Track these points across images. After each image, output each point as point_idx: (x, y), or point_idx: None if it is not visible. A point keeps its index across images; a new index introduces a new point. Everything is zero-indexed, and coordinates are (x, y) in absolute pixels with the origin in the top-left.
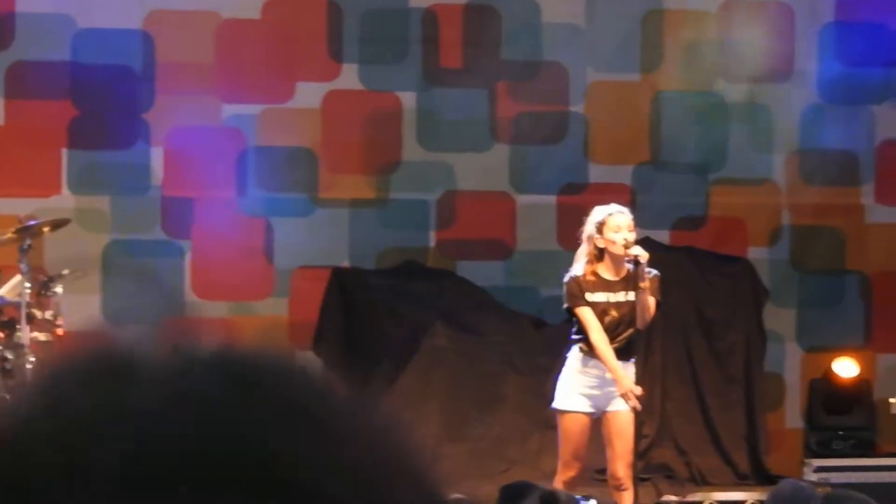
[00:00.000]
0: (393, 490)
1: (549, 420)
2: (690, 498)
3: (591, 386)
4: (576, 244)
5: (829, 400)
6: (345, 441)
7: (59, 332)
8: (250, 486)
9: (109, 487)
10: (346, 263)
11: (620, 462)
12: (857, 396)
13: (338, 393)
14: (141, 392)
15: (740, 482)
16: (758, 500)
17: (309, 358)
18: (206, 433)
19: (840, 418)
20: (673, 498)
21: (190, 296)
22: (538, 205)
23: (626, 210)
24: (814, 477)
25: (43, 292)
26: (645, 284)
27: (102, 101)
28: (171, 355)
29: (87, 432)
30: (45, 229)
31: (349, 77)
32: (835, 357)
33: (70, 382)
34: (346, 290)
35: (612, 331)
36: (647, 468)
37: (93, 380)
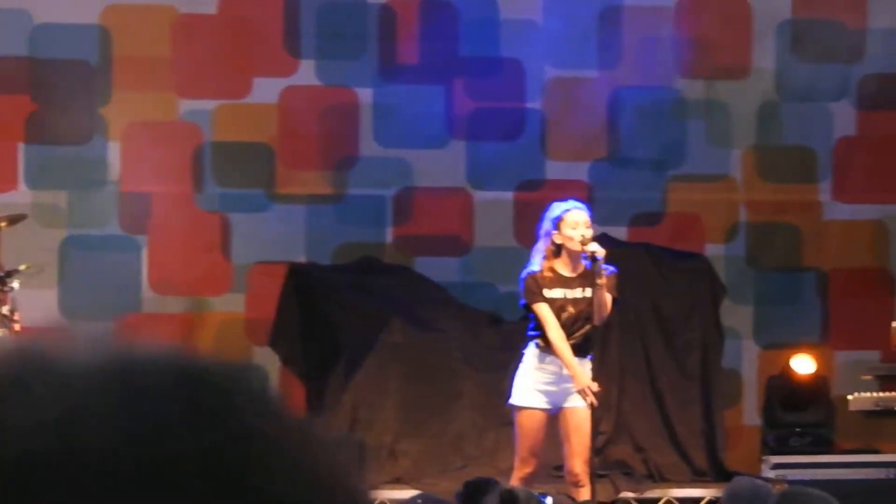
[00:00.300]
0: (332, 494)
1: (506, 416)
2: (648, 494)
3: (548, 382)
4: (533, 240)
5: (786, 397)
6: (288, 444)
7: (17, 327)
8: (197, 489)
9: (58, 489)
10: (302, 259)
11: (577, 458)
12: (814, 393)
13: (280, 398)
14: (82, 393)
15: (697, 479)
16: (715, 497)
17: (254, 363)
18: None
19: (797, 415)
20: (630, 494)
21: (147, 291)
22: (495, 201)
23: (583, 206)
24: (771, 474)
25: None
26: (602, 281)
27: (59, 95)
28: (119, 357)
29: (23, 436)
30: (2, 224)
31: (306, 72)
32: (792, 354)
33: (7, 385)
34: (303, 286)
35: (568, 327)
36: (604, 465)
37: (24, 382)
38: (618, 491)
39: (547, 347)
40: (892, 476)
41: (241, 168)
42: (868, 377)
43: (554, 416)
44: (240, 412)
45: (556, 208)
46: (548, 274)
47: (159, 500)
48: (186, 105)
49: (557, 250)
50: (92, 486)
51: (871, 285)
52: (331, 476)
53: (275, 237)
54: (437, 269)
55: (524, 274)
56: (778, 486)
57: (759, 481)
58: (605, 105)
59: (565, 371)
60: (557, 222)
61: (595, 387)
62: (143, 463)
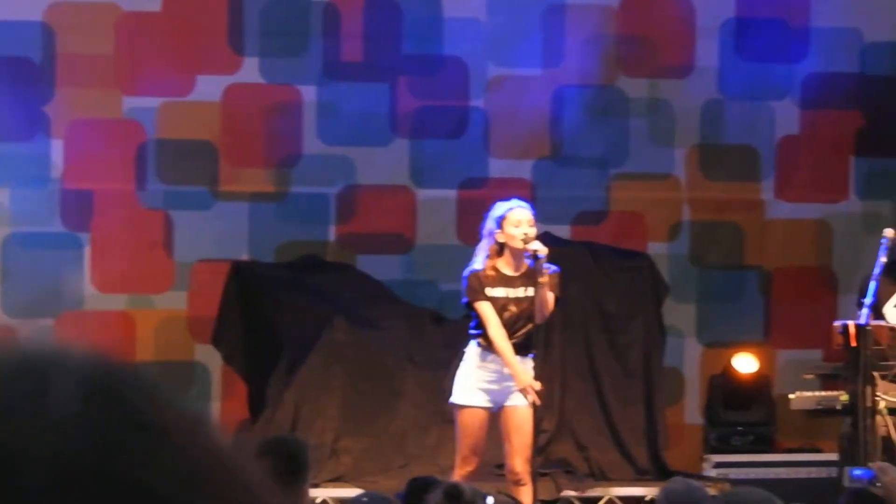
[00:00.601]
0: (222, 491)
1: (447, 415)
2: (590, 493)
3: (490, 381)
4: (476, 239)
5: (728, 395)
6: (184, 447)
7: None
8: (89, 484)
9: None
10: (245, 257)
11: (519, 457)
12: (756, 392)
13: (178, 404)
14: None
15: (639, 477)
16: (657, 496)
17: (147, 370)
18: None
19: (739, 414)
20: (572, 493)
21: (89, 289)
22: (438, 199)
23: (526, 205)
24: (713, 472)
25: None
26: (544, 280)
27: (2, 93)
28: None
29: None
30: None
31: (250, 70)
32: (734, 353)
33: None
34: (245, 284)
35: (510, 326)
36: (546, 463)
37: None
38: (560, 489)
39: (488, 346)
40: (833, 475)
41: (185, 166)
42: (810, 376)
43: (495, 415)
44: (134, 409)
45: (500, 207)
46: (490, 272)
47: (50, 495)
48: (130, 102)
49: (500, 249)
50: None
51: (813, 284)
52: (223, 474)
53: (218, 235)
54: (380, 267)
55: (467, 272)
56: (719, 486)
57: (695, 482)
58: (549, 103)
59: (507, 370)
60: (500, 221)
61: (537, 385)
62: (38, 457)
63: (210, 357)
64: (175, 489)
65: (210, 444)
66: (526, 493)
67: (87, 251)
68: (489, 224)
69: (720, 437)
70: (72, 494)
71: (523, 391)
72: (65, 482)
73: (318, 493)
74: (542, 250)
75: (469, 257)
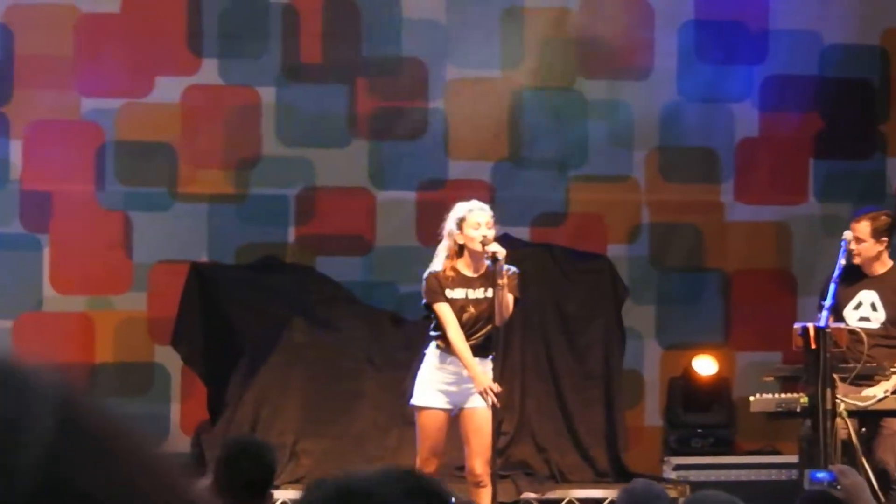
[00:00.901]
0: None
1: (407, 416)
2: (550, 495)
3: (449, 382)
4: (435, 240)
5: (688, 398)
6: (125, 460)
7: None
8: (25, 483)
9: None
10: (205, 258)
11: (479, 459)
12: (716, 394)
13: (118, 417)
14: None
15: (599, 479)
16: (616, 497)
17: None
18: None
19: (699, 416)
20: (532, 495)
21: (48, 290)
22: (397, 201)
23: (485, 207)
24: (673, 475)
25: None
26: (503, 281)
27: None
28: None
29: None
30: None
31: (209, 72)
32: (694, 355)
33: None
34: (204, 285)
35: (470, 327)
36: (506, 465)
37: None
38: (520, 491)
39: (448, 348)
40: (793, 477)
41: (144, 167)
42: (770, 378)
43: (455, 417)
44: (110, 446)
45: (459, 208)
46: (450, 274)
47: None
48: (89, 104)
49: (460, 251)
50: None
51: (772, 287)
52: (151, 477)
53: (177, 236)
54: (339, 268)
55: (426, 274)
56: (679, 488)
57: (656, 484)
58: (508, 105)
59: (466, 372)
60: (459, 223)
61: (496, 387)
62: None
63: (169, 358)
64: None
65: (171, 478)
66: (486, 495)
67: (46, 252)
68: (448, 226)
69: (680, 439)
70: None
71: (483, 394)
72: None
73: (278, 495)
74: (501, 252)
75: (428, 259)
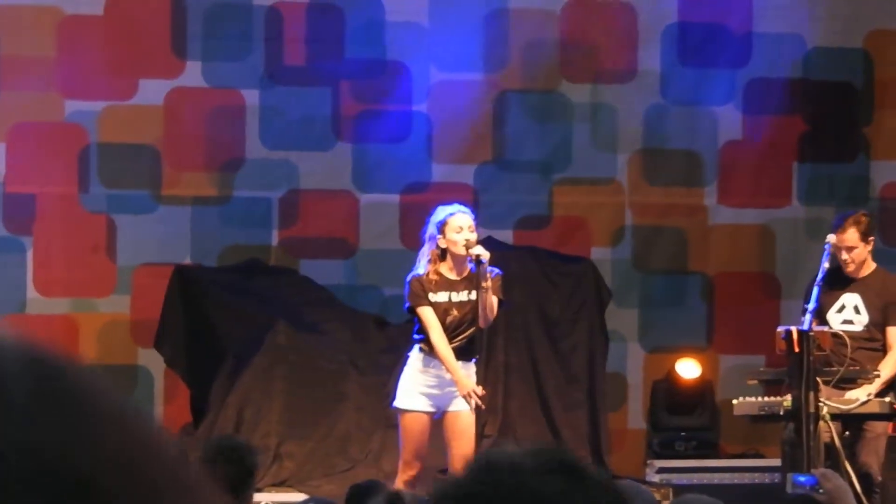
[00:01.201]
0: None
1: (391, 419)
2: None
3: (432, 385)
4: (418, 243)
5: (671, 401)
6: (124, 441)
7: None
8: (43, 482)
9: None
10: (188, 261)
11: (461, 462)
12: (699, 397)
13: (118, 398)
14: None
15: None
16: None
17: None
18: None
19: (682, 419)
20: None
21: (31, 292)
22: (381, 204)
23: (468, 210)
24: (656, 478)
25: None
26: (487, 284)
27: None
28: None
29: None
30: None
31: (192, 74)
32: (677, 358)
33: None
34: (188, 288)
35: (453, 330)
36: None
37: None
38: None
39: (431, 351)
40: (776, 481)
41: (127, 169)
42: (753, 382)
43: (438, 420)
44: (88, 408)
45: (441, 212)
46: (433, 277)
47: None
48: (72, 106)
49: (443, 254)
50: None
51: (756, 290)
52: (169, 478)
53: (160, 239)
54: (323, 271)
55: (409, 277)
56: (662, 492)
57: (643, 487)
58: (491, 108)
59: (449, 375)
60: (442, 226)
61: (479, 390)
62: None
63: (153, 361)
64: (116, 481)
65: (151, 437)
66: None
67: (29, 255)
68: (430, 229)
69: (663, 442)
70: (25, 484)
71: (466, 397)
72: (21, 473)
73: (260, 498)
74: (485, 255)
75: (412, 262)
